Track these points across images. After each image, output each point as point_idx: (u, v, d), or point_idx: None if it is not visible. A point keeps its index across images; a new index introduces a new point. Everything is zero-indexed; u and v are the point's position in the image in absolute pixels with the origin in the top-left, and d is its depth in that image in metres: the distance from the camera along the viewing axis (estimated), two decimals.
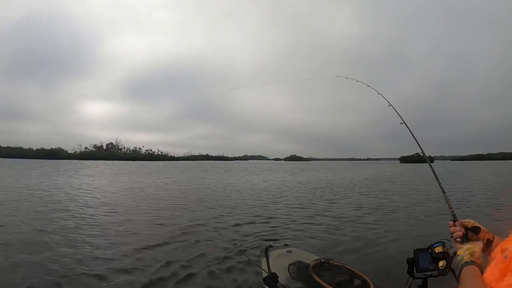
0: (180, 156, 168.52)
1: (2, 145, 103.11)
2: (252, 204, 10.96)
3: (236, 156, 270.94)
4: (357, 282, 2.56)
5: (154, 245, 5.66)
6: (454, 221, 1.52)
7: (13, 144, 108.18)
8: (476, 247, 1.29)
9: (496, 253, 1.14)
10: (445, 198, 1.74)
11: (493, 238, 1.42)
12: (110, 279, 4.07)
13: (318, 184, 19.91)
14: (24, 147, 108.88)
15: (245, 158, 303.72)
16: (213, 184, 19.26)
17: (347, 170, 45.15)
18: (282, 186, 18.44)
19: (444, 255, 1.45)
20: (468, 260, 1.22)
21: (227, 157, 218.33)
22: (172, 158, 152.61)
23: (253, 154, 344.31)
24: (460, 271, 1.21)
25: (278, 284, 2.60)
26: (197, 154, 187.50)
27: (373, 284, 2.50)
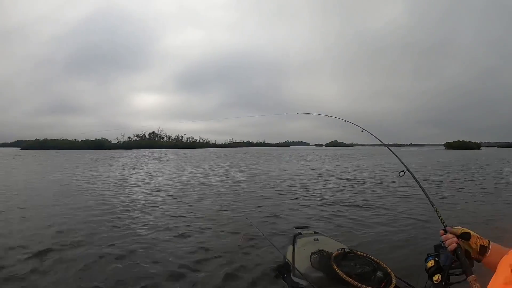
0: (222, 143, 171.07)
1: (49, 138, 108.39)
2: (290, 192, 10.89)
3: (277, 142, 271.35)
4: (379, 274, 2.43)
5: (189, 230, 5.88)
6: (445, 229, 1.47)
7: (62, 137, 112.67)
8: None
9: (504, 267, 0.97)
10: (433, 207, 1.72)
11: (489, 244, 1.33)
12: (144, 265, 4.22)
13: (364, 172, 19.21)
14: (70, 139, 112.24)
15: (286, 144, 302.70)
16: (253, 172, 19.32)
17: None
18: (325, 174, 18.04)
19: (437, 269, 1.39)
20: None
21: (269, 143, 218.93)
22: (214, 146, 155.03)
23: (294, 140, 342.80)
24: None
25: (291, 274, 2.56)
26: (238, 141, 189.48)
27: (396, 277, 2.37)
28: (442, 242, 1.41)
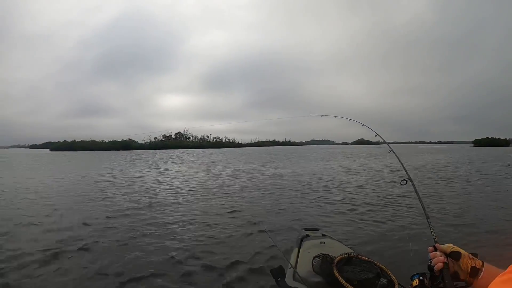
0: (248, 143, 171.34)
1: (77, 139, 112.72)
2: (312, 191, 10.79)
3: (303, 141, 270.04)
4: (382, 281, 2.26)
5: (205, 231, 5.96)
6: (434, 246, 1.33)
7: (90, 138, 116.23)
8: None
9: None
10: (427, 220, 1.62)
11: (482, 266, 1.17)
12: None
13: (389, 171, 18.60)
14: (97, 140, 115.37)
15: (312, 143, 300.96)
16: (277, 171, 19.24)
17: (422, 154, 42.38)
18: (348, 173, 17.81)
19: None
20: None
21: (294, 142, 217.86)
22: (239, 145, 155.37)
23: (320, 139, 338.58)
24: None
25: (286, 278, 2.49)
26: (264, 140, 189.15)
27: (399, 284, 2.21)
28: (430, 260, 1.27)
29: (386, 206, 7.92)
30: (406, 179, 2.00)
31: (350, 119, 3.56)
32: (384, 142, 2.81)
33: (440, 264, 1.21)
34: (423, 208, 1.75)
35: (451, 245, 1.28)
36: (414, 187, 1.97)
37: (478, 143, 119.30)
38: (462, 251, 1.23)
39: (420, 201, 1.81)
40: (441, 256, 1.24)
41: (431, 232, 1.51)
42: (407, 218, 6.66)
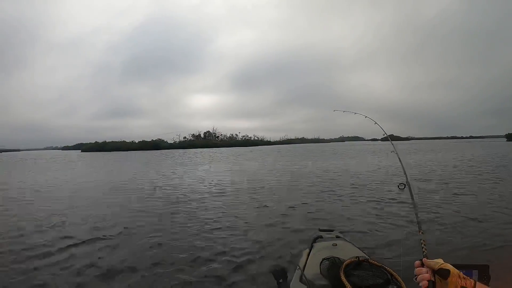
0: (277, 140, 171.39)
1: (107, 140, 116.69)
2: (335, 190, 10.65)
3: (332, 138, 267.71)
4: (391, 287, 2.13)
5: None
6: (422, 260, 1.17)
7: (120, 139, 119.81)
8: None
9: None
10: (419, 230, 1.54)
11: (475, 286, 1.02)
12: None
13: (417, 168, 17.83)
14: (128, 140, 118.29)
15: (341, 139, 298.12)
16: (304, 169, 19.14)
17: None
18: (378, 171, 17.33)
19: None
20: None
21: (323, 139, 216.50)
22: (268, 143, 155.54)
23: (349, 135, 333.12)
24: None
25: (293, 280, 2.47)
26: (293, 137, 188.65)
27: None
28: (415, 276, 1.14)
29: (411, 206, 7.49)
30: (405, 183, 1.92)
31: (366, 117, 3.58)
32: (388, 139, 2.86)
33: (425, 283, 1.09)
34: (416, 216, 1.68)
35: (440, 260, 1.11)
36: (411, 193, 1.85)
37: (511, 137, 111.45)
38: (452, 269, 1.06)
39: (415, 207, 1.72)
40: (426, 273, 1.11)
41: (421, 244, 1.40)
42: (431, 220, 6.34)
